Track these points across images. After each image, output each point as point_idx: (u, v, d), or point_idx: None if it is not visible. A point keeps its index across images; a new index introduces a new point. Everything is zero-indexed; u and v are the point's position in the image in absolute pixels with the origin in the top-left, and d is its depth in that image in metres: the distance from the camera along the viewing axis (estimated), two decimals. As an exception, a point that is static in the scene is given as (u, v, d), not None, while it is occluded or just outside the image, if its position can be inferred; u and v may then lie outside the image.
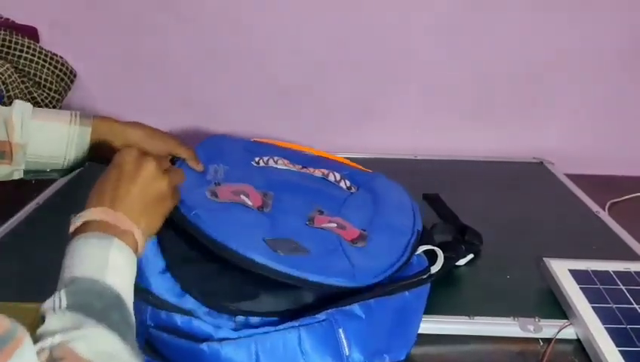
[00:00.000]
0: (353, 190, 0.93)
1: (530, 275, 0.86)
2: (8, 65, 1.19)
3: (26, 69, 1.23)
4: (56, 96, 1.27)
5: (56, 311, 0.48)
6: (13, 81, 1.17)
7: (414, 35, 1.29)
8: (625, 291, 0.79)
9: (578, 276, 0.81)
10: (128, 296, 0.53)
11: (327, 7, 1.27)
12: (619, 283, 0.80)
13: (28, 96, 1.22)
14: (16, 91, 1.18)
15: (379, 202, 0.89)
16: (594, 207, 1.11)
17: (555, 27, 1.27)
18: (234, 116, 1.37)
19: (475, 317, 0.76)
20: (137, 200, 0.60)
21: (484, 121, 1.36)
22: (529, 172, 1.30)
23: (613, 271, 0.83)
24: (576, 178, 1.24)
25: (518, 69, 1.31)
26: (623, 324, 0.73)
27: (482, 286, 0.85)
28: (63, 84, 1.28)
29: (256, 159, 0.94)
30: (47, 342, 0.45)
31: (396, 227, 0.83)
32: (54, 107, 1.27)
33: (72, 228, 0.57)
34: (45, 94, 1.25)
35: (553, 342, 0.73)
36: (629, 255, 0.94)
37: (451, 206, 1.01)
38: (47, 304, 0.49)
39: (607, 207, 1.13)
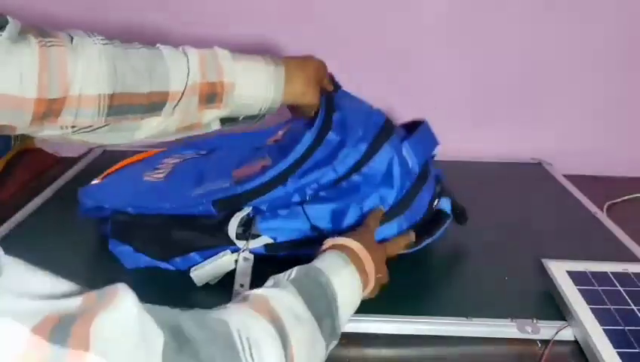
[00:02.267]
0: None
1: (528, 276, 0.86)
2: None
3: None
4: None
5: (282, 280, 0.56)
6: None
7: (413, 36, 1.29)
8: (623, 292, 0.79)
9: (576, 277, 0.82)
10: (338, 303, 0.59)
11: (326, 7, 1.27)
12: (617, 284, 0.81)
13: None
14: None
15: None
16: (592, 208, 1.11)
17: (552, 28, 1.27)
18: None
19: (473, 319, 0.77)
20: (378, 265, 0.70)
21: (483, 122, 1.36)
22: (527, 173, 1.30)
23: (611, 273, 0.83)
24: (574, 179, 1.24)
25: (517, 70, 1.31)
26: (621, 326, 0.73)
27: (480, 288, 0.85)
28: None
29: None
30: (252, 291, 0.53)
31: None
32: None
33: (326, 245, 0.68)
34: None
35: (551, 343, 0.73)
36: (627, 256, 0.94)
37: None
38: (280, 275, 0.58)
39: (605, 208, 1.13)
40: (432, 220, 0.88)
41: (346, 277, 0.62)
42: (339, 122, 0.85)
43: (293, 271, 0.58)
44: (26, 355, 0.29)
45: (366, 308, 0.77)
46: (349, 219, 0.81)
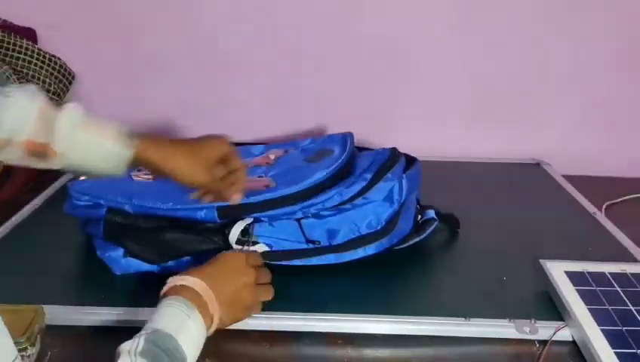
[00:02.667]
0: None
1: (526, 277, 0.86)
2: (6, 66, 1.19)
3: (25, 70, 1.23)
4: (55, 97, 1.27)
5: (131, 355, 0.55)
6: (12, 82, 1.18)
7: (413, 37, 1.29)
8: (621, 293, 0.79)
9: (574, 277, 0.82)
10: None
11: (327, 8, 1.27)
12: (615, 284, 0.81)
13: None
14: (15, 93, 1.18)
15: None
16: (591, 208, 1.12)
17: (552, 28, 1.27)
18: (233, 117, 1.37)
19: (471, 319, 0.77)
20: (229, 296, 0.68)
21: (482, 122, 1.36)
22: (526, 173, 1.30)
23: (609, 273, 0.83)
24: (573, 179, 1.24)
25: (516, 70, 1.31)
26: (618, 326, 0.73)
27: (478, 288, 0.85)
28: (61, 85, 1.29)
29: None
30: None
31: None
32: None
33: (169, 285, 0.66)
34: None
35: (549, 343, 0.74)
36: (625, 256, 0.94)
37: (449, 207, 1.01)
38: (126, 345, 0.56)
39: (603, 209, 1.14)
40: (420, 226, 0.95)
41: (192, 329, 0.61)
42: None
43: (141, 342, 0.56)
44: None
45: (364, 308, 0.78)
46: (344, 236, 0.85)
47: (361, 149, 1.03)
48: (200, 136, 0.82)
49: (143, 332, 0.58)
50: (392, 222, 0.88)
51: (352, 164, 0.93)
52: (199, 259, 0.84)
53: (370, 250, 0.85)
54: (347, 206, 0.87)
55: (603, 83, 1.31)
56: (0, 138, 0.68)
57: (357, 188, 0.87)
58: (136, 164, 0.76)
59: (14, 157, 0.71)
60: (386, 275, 0.87)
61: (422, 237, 0.92)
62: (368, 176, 0.88)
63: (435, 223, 0.95)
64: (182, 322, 0.61)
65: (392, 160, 0.92)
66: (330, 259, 0.85)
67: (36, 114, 0.69)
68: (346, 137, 1.01)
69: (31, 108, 0.69)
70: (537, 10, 1.26)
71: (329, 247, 0.86)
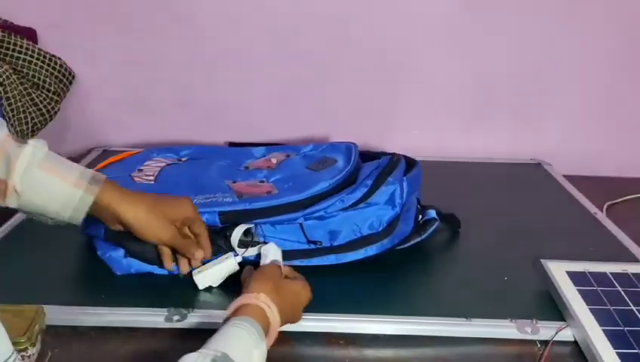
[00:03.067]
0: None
1: (527, 277, 0.86)
2: (7, 66, 1.19)
3: (25, 70, 1.23)
4: (55, 97, 1.27)
5: None
6: (11, 82, 1.17)
7: (413, 37, 1.29)
8: (622, 293, 0.79)
9: (575, 278, 0.82)
10: None
11: (327, 8, 1.27)
12: (616, 284, 0.81)
13: (27, 98, 1.22)
14: (15, 92, 1.18)
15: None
16: (592, 208, 1.11)
17: (552, 29, 1.27)
18: (233, 117, 1.37)
19: (473, 319, 0.77)
20: (289, 309, 0.70)
21: (483, 122, 1.36)
22: (527, 173, 1.30)
23: (611, 273, 0.83)
24: (574, 179, 1.24)
25: (516, 70, 1.31)
26: (620, 326, 0.73)
27: (479, 288, 0.85)
28: (61, 85, 1.28)
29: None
30: None
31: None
32: (52, 108, 1.27)
33: (240, 304, 0.64)
34: (44, 95, 1.25)
35: (550, 344, 0.74)
36: (626, 256, 0.94)
37: (450, 207, 1.01)
38: (191, 358, 0.54)
39: (604, 209, 1.14)
40: (421, 226, 0.95)
41: (255, 360, 0.60)
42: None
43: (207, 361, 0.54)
44: None
45: (365, 308, 0.78)
46: (345, 236, 0.86)
47: (362, 154, 1.03)
48: (164, 194, 0.82)
49: (211, 351, 0.55)
50: (393, 223, 0.88)
51: (355, 175, 0.92)
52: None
53: (371, 250, 0.85)
54: (350, 210, 0.87)
55: (604, 83, 1.31)
56: None
57: (358, 194, 0.87)
58: (96, 211, 0.74)
59: None
60: (388, 275, 0.87)
61: (423, 237, 0.92)
62: (369, 182, 0.89)
63: (436, 223, 0.94)
64: (249, 352, 0.59)
65: (392, 165, 0.92)
66: (331, 259, 0.85)
67: None
68: (350, 148, 1.00)
69: None
70: (538, 10, 1.26)
71: (330, 248, 0.86)
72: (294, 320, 0.73)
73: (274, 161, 1.02)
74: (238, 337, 0.59)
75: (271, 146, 1.11)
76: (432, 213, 0.96)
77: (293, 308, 0.72)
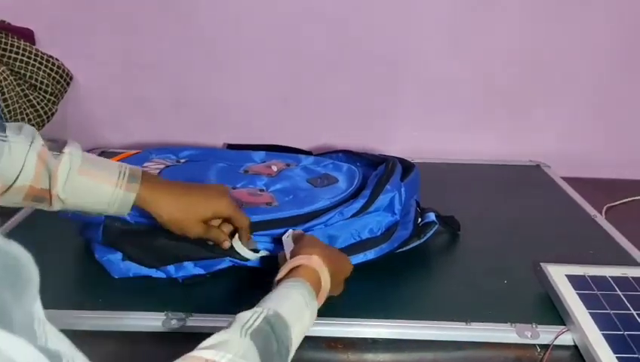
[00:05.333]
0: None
1: (527, 280, 0.86)
2: (4, 67, 1.19)
3: (22, 71, 1.22)
4: (52, 98, 1.26)
5: (243, 329, 0.54)
6: (9, 83, 1.17)
7: (413, 38, 1.29)
8: (622, 297, 0.79)
9: (575, 281, 0.81)
10: (291, 354, 0.59)
11: (326, 7, 1.27)
12: (616, 288, 0.80)
13: (24, 99, 1.22)
14: (12, 94, 1.18)
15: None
16: (591, 210, 1.11)
17: (552, 29, 1.27)
18: (233, 118, 1.37)
19: (472, 323, 0.76)
20: (336, 275, 0.72)
21: (482, 123, 1.36)
22: (526, 175, 1.30)
23: (611, 277, 0.83)
24: (573, 181, 1.24)
25: (515, 71, 1.31)
26: (620, 331, 0.73)
27: (479, 292, 0.85)
28: (59, 86, 1.28)
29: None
30: (217, 356, 0.50)
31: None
32: (50, 110, 1.26)
33: (294, 265, 0.68)
34: (41, 97, 1.25)
35: (550, 348, 0.73)
36: (626, 259, 0.94)
37: (448, 209, 1.01)
38: (245, 315, 0.57)
39: (604, 211, 1.13)
40: (420, 229, 0.94)
41: (306, 320, 0.63)
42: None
43: (259, 320, 0.56)
44: None
45: (364, 312, 0.77)
46: (344, 241, 0.86)
47: (358, 156, 1.03)
48: (203, 186, 0.84)
49: (264, 308, 0.58)
50: (392, 228, 0.89)
51: (355, 196, 0.92)
52: (201, 264, 0.84)
53: (370, 254, 0.85)
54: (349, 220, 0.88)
55: (603, 84, 1.31)
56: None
57: (357, 206, 0.88)
58: (139, 204, 0.76)
59: (14, 201, 0.71)
60: (387, 279, 0.86)
61: (422, 240, 0.92)
62: (367, 192, 0.90)
63: (436, 226, 0.94)
64: (301, 312, 0.61)
65: (389, 172, 0.93)
66: None
67: (35, 160, 0.69)
68: (353, 173, 1.00)
69: (30, 155, 0.69)
70: (537, 11, 1.25)
71: None
72: (339, 289, 0.75)
73: (274, 168, 1.02)
74: (290, 297, 0.62)
75: (270, 152, 1.11)
76: (432, 216, 0.95)
77: (339, 275, 0.74)
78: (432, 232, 0.93)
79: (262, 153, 1.09)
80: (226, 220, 0.83)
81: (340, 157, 1.09)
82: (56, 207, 0.73)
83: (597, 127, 1.34)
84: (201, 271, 0.85)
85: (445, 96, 1.34)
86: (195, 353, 0.50)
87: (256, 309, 0.58)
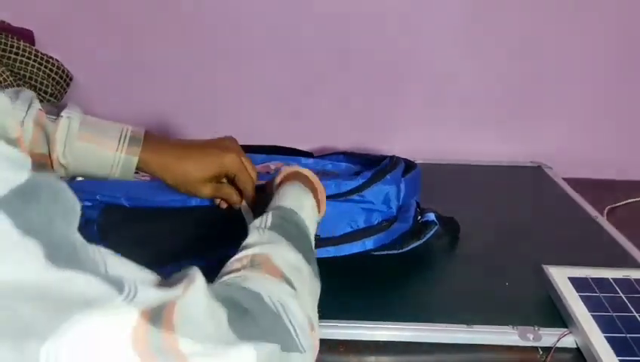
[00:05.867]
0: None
1: (529, 282, 0.85)
2: (4, 68, 1.18)
3: (22, 72, 1.22)
4: (52, 99, 1.26)
5: (259, 229, 0.59)
6: (8, 84, 1.17)
7: (413, 39, 1.29)
8: (625, 299, 0.78)
9: (577, 283, 0.81)
10: (311, 237, 0.65)
11: (327, 8, 1.26)
12: (618, 291, 0.80)
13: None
14: (12, 95, 1.17)
15: None
16: (592, 212, 1.11)
17: (553, 30, 1.27)
18: (232, 119, 1.37)
19: (473, 326, 0.76)
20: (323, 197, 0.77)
21: (482, 124, 1.35)
22: (527, 176, 1.29)
23: (613, 279, 0.82)
24: (574, 182, 1.23)
25: (517, 72, 1.31)
26: (623, 333, 0.72)
27: (480, 294, 0.84)
28: (58, 87, 1.27)
29: None
30: (249, 251, 0.55)
31: None
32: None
33: (284, 173, 0.74)
34: (41, 97, 1.24)
35: (553, 350, 0.73)
36: (628, 261, 0.94)
37: (449, 211, 1.00)
38: (256, 222, 0.60)
39: (605, 212, 1.13)
40: (419, 228, 0.91)
41: (309, 207, 0.67)
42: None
43: (269, 217, 0.60)
44: (135, 331, 0.36)
45: (364, 314, 0.77)
46: (341, 229, 0.86)
47: (360, 156, 1.03)
48: (210, 140, 0.81)
49: (268, 209, 0.63)
50: (390, 220, 0.88)
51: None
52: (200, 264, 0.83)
53: (369, 243, 0.84)
54: (345, 201, 0.87)
55: (605, 85, 1.30)
56: None
57: (355, 184, 0.87)
58: (143, 167, 0.76)
59: None
60: (388, 281, 0.86)
61: (422, 241, 0.90)
62: (368, 174, 0.89)
63: (436, 227, 0.92)
64: (301, 201, 0.66)
65: (392, 166, 0.92)
66: (330, 251, 0.83)
67: (31, 125, 0.69)
68: (351, 170, 1.01)
69: (27, 120, 0.69)
70: (537, 11, 1.25)
71: (328, 239, 0.84)
72: (324, 206, 0.78)
73: (273, 166, 1.01)
74: (289, 192, 0.67)
75: (271, 155, 1.09)
76: (432, 216, 0.94)
77: (324, 193, 0.78)
78: (431, 233, 0.91)
79: (264, 156, 1.08)
80: (234, 181, 0.80)
81: (340, 158, 1.08)
82: (59, 172, 0.72)
83: (598, 128, 1.34)
84: None
85: (446, 97, 1.33)
86: (229, 266, 0.54)
87: (263, 213, 0.62)
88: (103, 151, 0.72)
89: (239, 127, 1.36)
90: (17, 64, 1.21)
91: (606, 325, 0.73)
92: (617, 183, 1.29)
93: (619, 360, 0.68)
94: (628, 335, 0.72)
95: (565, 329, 0.75)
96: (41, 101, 1.19)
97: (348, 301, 0.81)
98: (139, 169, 0.75)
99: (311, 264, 0.60)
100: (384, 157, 1.01)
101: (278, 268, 0.54)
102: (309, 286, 0.57)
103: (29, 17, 1.27)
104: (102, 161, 0.73)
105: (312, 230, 0.65)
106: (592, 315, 0.75)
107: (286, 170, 0.75)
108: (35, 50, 1.25)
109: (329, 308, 0.77)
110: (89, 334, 0.34)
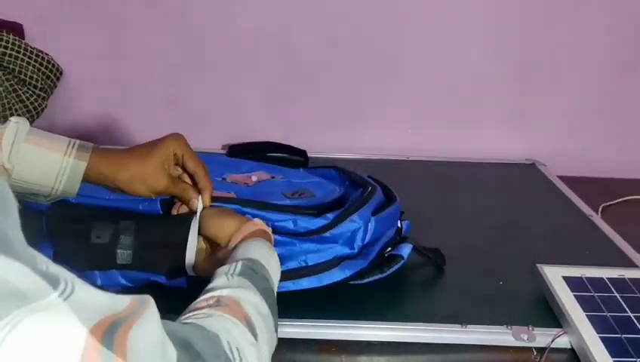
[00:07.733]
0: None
1: (523, 282, 0.85)
2: (-8, 62, 1.17)
3: (11, 66, 1.20)
4: (42, 93, 1.24)
5: (227, 275, 0.58)
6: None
7: (407, 36, 1.28)
8: (619, 299, 0.78)
9: (572, 283, 0.80)
10: (275, 294, 0.64)
11: (318, 7, 1.25)
12: (613, 290, 0.80)
13: (13, 94, 1.20)
14: (1, 89, 1.16)
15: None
16: (587, 210, 1.10)
17: (549, 28, 1.26)
18: (225, 116, 1.35)
19: (468, 326, 0.75)
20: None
21: (476, 122, 1.35)
22: (521, 174, 1.29)
23: (608, 278, 0.82)
24: (568, 180, 1.23)
25: (511, 70, 1.30)
26: (617, 333, 0.72)
27: (475, 294, 0.83)
28: (48, 81, 1.26)
29: None
30: (216, 292, 0.54)
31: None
32: (39, 105, 1.24)
33: (248, 230, 0.71)
34: (30, 92, 1.23)
35: (547, 351, 0.72)
36: (622, 260, 0.94)
37: (443, 208, 0.99)
38: (223, 269, 0.59)
39: (600, 210, 1.12)
40: (384, 261, 0.85)
41: (274, 266, 0.66)
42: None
43: (239, 265, 0.59)
44: (84, 353, 0.33)
45: (359, 314, 0.76)
46: (290, 265, 0.80)
47: (351, 174, 0.98)
48: (149, 142, 0.78)
49: (238, 258, 0.61)
50: (342, 258, 0.82)
51: (319, 214, 0.84)
52: (128, 276, 0.77)
53: (315, 281, 0.79)
54: (304, 240, 0.81)
55: (599, 83, 1.30)
56: None
57: (313, 226, 0.81)
58: (90, 178, 0.72)
59: None
60: (381, 281, 0.84)
61: (385, 274, 0.83)
62: (331, 216, 0.82)
63: (402, 261, 0.84)
64: (267, 257, 0.65)
65: (363, 200, 0.85)
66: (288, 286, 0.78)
67: None
68: (333, 192, 0.94)
69: None
70: (534, 9, 1.25)
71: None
72: None
73: (254, 178, 0.98)
74: (254, 247, 0.66)
75: (262, 163, 1.05)
76: (406, 249, 0.86)
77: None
78: (397, 266, 0.84)
79: (254, 164, 1.04)
80: (183, 168, 0.78)
81: (332, 173, 1.02)
82: (2, 178, 0.69)
83: (593, 126, 1.34)
84: (129, 285, 0.77)
85: (439, 95, 1.33)
86: (195, 304, 0.53)
87: (230, 263, 0.61)
88: (51, 153, 0.69)
89: (231, 124, 1.36)
90: (7, 58, 1.20)
91: (601, 325, 0.73)
92: (612, 181, 1.29)
93: (613, 360, 0.68)
94: (623, 335, 0.72)
95: (560, 330, 0.74)
96: (30, 96, 1.17)
97: (340, 301, 0.81)
98: (85, 179, 0.72)
99: (274, 317, 0.59)
100: (369, 181, 0.94)
101: (244, 312, 0.53)
102: (268, 338, 0.55)
103: (18, 11, 1.25)
104: (49, 165, 0.69)
105: (276, 287, 0.65)
106: (586, 315, 0.75)
107: (248, 226, 0.71)
108: (25, 43, 1.23)
109: (321, 308, 0.77)
110: (34, 341, 0.31)
